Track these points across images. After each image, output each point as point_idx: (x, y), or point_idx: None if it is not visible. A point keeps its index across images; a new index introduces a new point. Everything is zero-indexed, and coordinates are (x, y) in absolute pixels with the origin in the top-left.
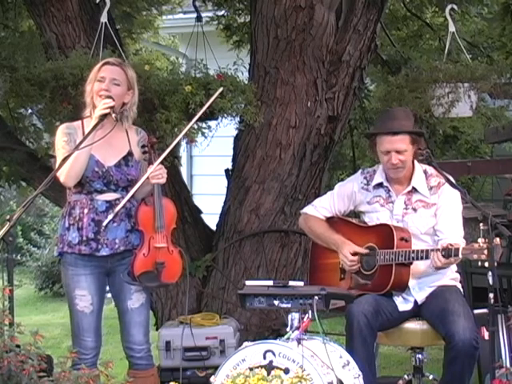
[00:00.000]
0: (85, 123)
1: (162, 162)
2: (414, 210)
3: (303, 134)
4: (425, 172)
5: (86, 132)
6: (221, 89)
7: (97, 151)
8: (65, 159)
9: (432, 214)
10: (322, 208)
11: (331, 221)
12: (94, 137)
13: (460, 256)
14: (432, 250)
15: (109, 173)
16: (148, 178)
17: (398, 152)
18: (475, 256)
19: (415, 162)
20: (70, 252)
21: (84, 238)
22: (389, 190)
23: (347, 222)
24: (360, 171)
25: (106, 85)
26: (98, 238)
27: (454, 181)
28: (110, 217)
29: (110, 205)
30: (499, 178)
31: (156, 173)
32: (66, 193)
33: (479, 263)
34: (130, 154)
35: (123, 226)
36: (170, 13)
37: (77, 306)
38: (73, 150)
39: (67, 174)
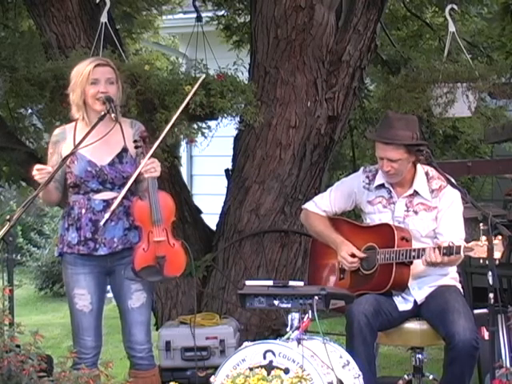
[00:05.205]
0: (78, 125)
1: (161, 160)
2: (416, 212)
3: (303, 133)
4: (426, 174)
5: (84, 133)
6: (203, 76)
7: (90, 150)
8: (65, 159)
9: (433, 218)
10: (322, 205)
11: (332, 219)
12: (95, 135)
13: (461, 254)
14: (434, 248)
15: (103, 172)
16: (141, 172)
17: (391, 160)
18: (476, 254)
19: (417, 164)
20: (69, 252)
21: (82, 238)
22: (390, 191)
23: (348, 222)
24: (362, 169)
25: (103, 87)
26: (96, 237)
27: (454, 181)
28: (107, 215)
29: (108, 204)
30: (499, 178)
31: (148, 166)
32: (67, 193)
33: (481, 261)
34: (124, 150)
35: (121, 225)
36: (170, 13)
37: (76, 306)
38: (73, 149)
39: (44, 201)
